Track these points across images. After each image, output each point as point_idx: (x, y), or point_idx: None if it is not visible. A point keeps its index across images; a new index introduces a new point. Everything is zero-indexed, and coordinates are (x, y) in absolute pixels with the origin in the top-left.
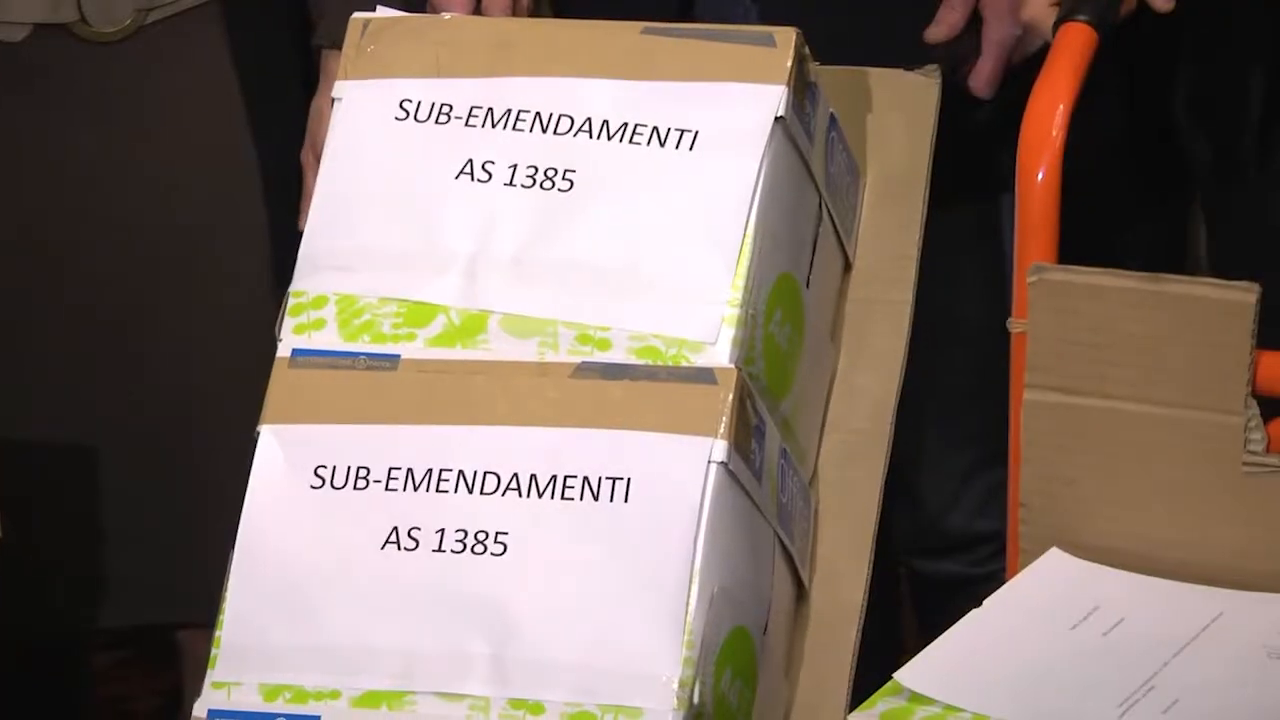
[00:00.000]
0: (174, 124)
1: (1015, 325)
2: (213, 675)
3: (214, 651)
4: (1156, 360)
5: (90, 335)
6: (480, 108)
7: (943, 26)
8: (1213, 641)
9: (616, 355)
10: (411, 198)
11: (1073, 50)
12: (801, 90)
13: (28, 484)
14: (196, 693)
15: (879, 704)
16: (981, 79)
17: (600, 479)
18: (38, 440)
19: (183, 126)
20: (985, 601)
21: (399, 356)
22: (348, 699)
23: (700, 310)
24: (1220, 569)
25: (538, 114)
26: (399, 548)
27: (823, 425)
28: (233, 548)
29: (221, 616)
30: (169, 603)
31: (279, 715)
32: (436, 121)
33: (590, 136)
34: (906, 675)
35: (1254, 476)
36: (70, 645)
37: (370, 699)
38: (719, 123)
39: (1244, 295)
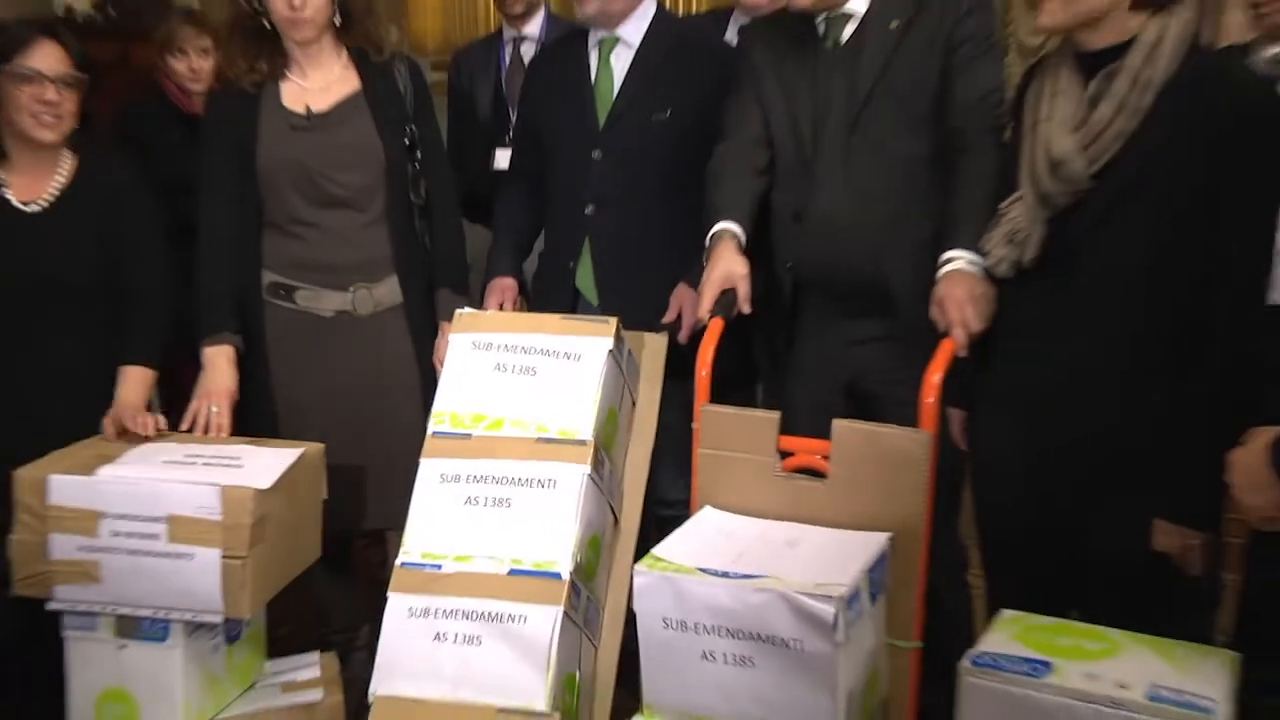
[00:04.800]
0: (384, 359)
1: (696, 426)
2: (403, 553)
3: (403, 542)
4: (749, 438)
5: (349, 444)
6: (505, 345)
7: (670, 314)
8: (755, 535)
9: (551, 434)
10: (476, 378)
11: (716, 328)
12: (619, 339)
13: (336, 485)
14: (395, 554)
15: (646, 561)
16: (684, 336)
17: (543, 479)
18: (348, 469)
19: (389, 355)
20: (684, 524)
21: (471, 434)
22: (451, 559)
23: (581, 420)
24: (771, 516)
25: (523, 347)
26: (469, 504)
27: (624, 463)
28: (409, 502)
29: (406, 529)
30: (385, 516)
31: (426, 565)
32: (487, 349)
33: (544, 356)
34: (658, 550)
35: (780, 479)
36: (345, 536)
37: (459, 560)
38: (587, 351)
39: (773, 416)
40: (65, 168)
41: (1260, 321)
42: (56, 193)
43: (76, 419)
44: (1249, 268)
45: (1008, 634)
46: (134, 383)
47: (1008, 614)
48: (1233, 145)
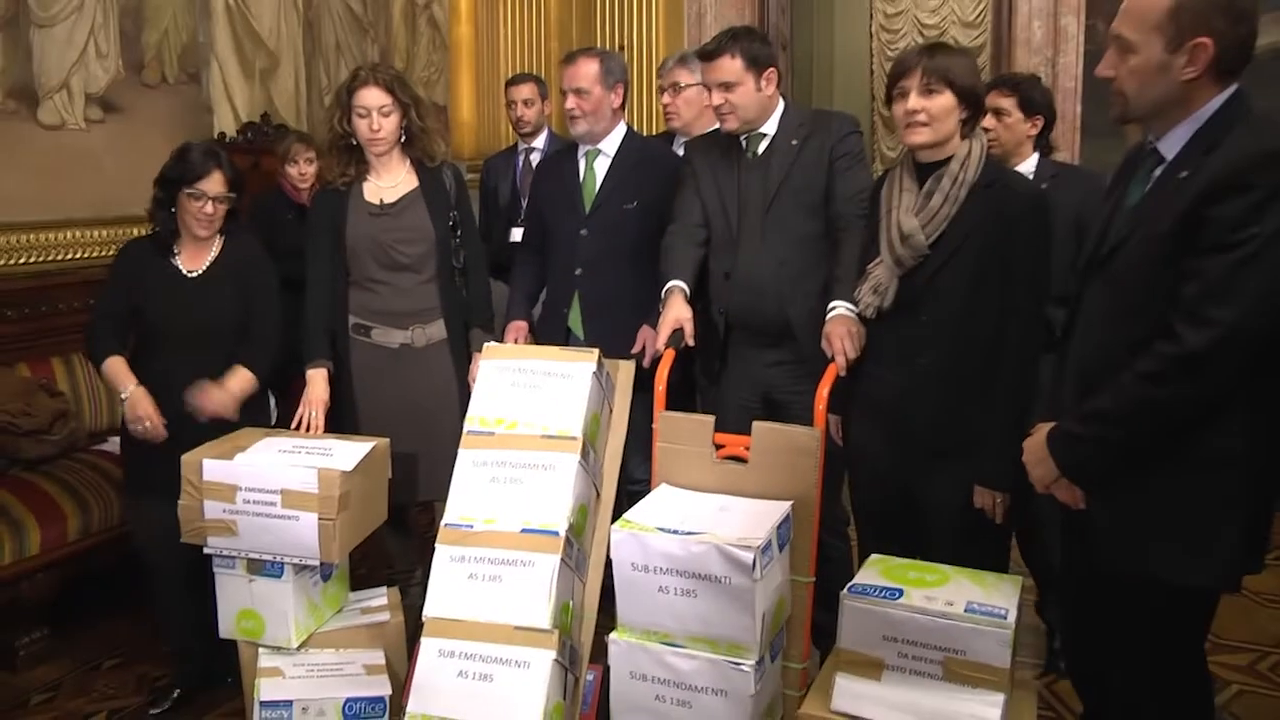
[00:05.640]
0: (434, 379)
1: (655, 427)
2: (446, 517)
3: (446, 508)
4: (693, 435)
5: (408, 439)
6: (519, 368)
7: (636, 346)
8: (697, 504)
9: (551, 432)
10: (498, 392)
11: (669, 356)
12: (600, 364)
13: (398, 468)
14: (440, 517)
15: (620, 523)
16: (646, 362)
17: (545, 464)
18: (407, 457)
19: (437, 376)
20: (646, 497)
21: (494, 432)
22: (481, 521)
23: (573, 422)
24: (708, 490)
25: (531, 369)
26: (493, 481)
27: (604, 453)
28: (450, 480)
29: (448, 499)
30: (433, 490)
31: (463, 525)
32: (506, 371)
33: (546, 376)
34: (628, 515)
35: (715, 464)
36: (404, 504)
37: (487, 521)
38: (577, 373)
39: (710, 419)
40: (215, 246)
41: (1037, 350)
42: (209, 263)
43: (217, 420)
44: (1029, 312)
45: (874, 571)
46: (239, 378)
47: (874, 557)
48: (1017, 226)
